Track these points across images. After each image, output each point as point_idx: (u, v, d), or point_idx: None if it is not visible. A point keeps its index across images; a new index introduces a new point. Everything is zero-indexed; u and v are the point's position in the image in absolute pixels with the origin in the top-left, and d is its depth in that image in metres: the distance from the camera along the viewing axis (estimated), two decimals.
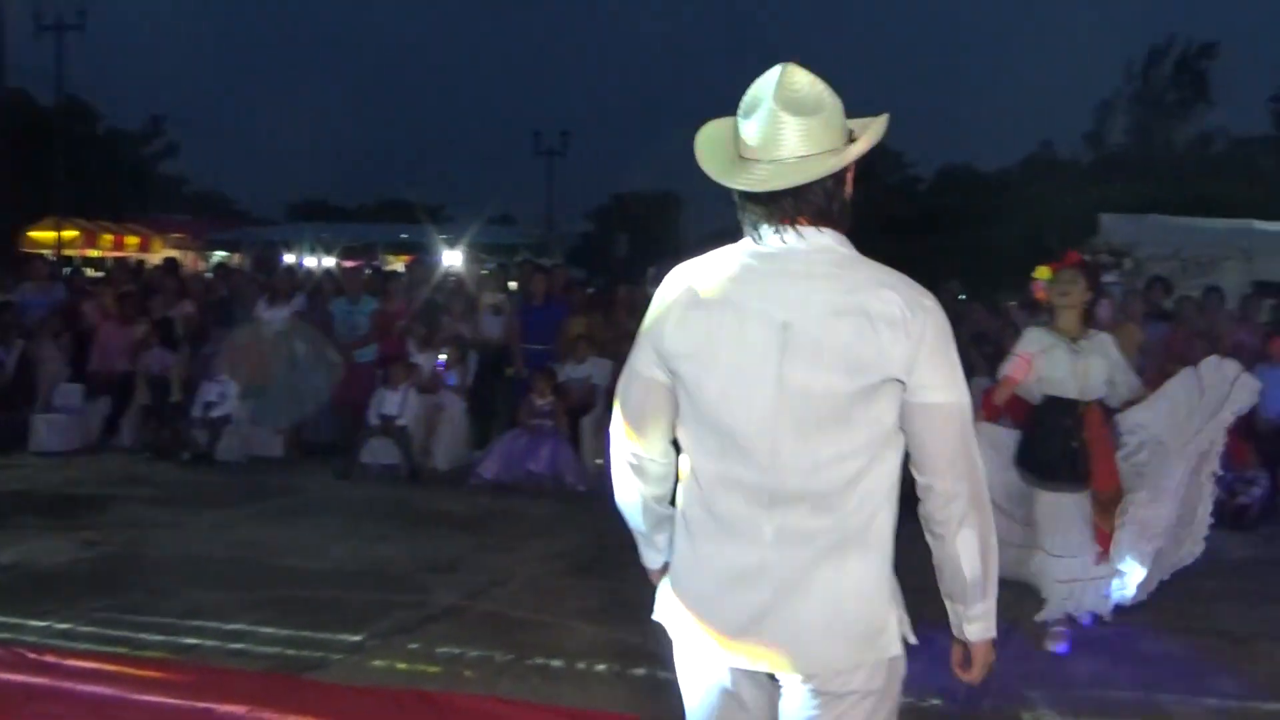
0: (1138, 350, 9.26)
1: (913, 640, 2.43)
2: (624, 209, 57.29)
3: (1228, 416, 5.79)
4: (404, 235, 29.31)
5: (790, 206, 2.33)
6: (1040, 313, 10.26)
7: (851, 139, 2.36)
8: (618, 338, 11.53)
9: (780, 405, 2.30)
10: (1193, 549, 5.84)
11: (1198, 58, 53.55)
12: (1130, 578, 5.77)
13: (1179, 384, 5.92)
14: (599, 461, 10.98)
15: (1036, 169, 51.91)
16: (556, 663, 5.52)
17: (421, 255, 20.40)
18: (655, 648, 5.64)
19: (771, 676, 2.44)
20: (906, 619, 2.43)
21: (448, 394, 11.19)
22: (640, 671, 5.37)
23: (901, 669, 2.45)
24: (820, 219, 2.35)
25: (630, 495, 2.59)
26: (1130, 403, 5.93)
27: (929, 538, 2.43)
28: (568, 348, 11.32)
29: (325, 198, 52.65)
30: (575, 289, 12.89)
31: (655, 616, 2.55)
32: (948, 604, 2.47)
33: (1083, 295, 5.78)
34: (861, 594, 2.35)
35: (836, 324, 2.27)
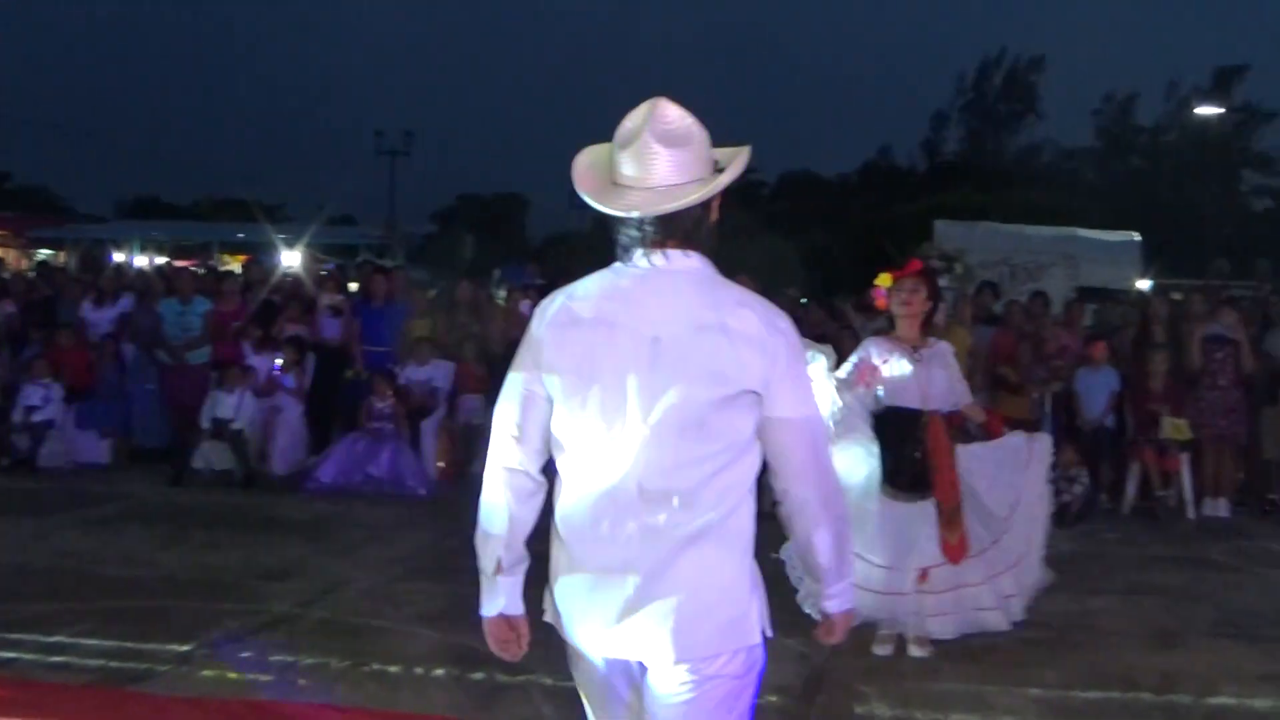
0: (967, 353, 9.56)
1: (769, 633, 2.56)
2: (469, 210, 56.84)
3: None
4: (240, 235, 28.62)
5: (660, 231, 2.51)
6: (877, 315, 10.55)
7: (717, 168, 2.55)
8: (460, 340, 11.45)
9: (648, 413, 2.45)
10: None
11: (1027, 71, 55.58)
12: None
13: (1009, 451, 5.94)
14: (440, 465, 10.88)
15: (875, 176, 53.23)
16: (394, 668, 5.44)
17: (258, 255, 19.92)
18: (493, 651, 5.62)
19: (643, 664, 2.55)
20: (766, 611, 2.57)
21: (285, 397, 10.94)
22: (479, 676, 5.32)
23: (760, 658, 2.58)
24: (687, 243, 2.53)
25: (497, 520, 2.63)
26: (958, 415, 5.98)
27: (788, 533, 2.63)
28: (409, 350, 11.19)
29: (158, 195, 51.04)
30: (417, 290, 12.74)
31: (545, 618, 2.66)
32: (810, 582, 2.65)
33: (924, 305, 5.76)
34: (722, 584, 2.50)
35: (699, 339, 2.45)
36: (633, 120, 2.52)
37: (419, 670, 5.42)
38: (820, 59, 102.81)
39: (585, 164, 2.62)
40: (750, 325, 2.47)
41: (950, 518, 5.64)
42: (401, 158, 43.11)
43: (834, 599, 2.68)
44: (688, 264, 2.53)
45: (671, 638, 2.46)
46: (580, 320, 2.53)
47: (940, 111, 56.39)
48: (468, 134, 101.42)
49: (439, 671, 5.41)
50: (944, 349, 5.87)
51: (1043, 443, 6.11)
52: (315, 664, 5.46)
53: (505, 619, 2.67)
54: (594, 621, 2.53)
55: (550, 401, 2.56)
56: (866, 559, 5.56)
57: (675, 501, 2.46)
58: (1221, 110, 42.72)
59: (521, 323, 11.58)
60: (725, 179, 2.54)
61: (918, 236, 12.93)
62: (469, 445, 10.97)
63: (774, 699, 4.96)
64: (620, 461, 2.48)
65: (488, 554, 2.65)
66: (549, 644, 5.60)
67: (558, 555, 2.60)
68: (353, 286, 13.57)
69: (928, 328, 5.87)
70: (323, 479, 10.11)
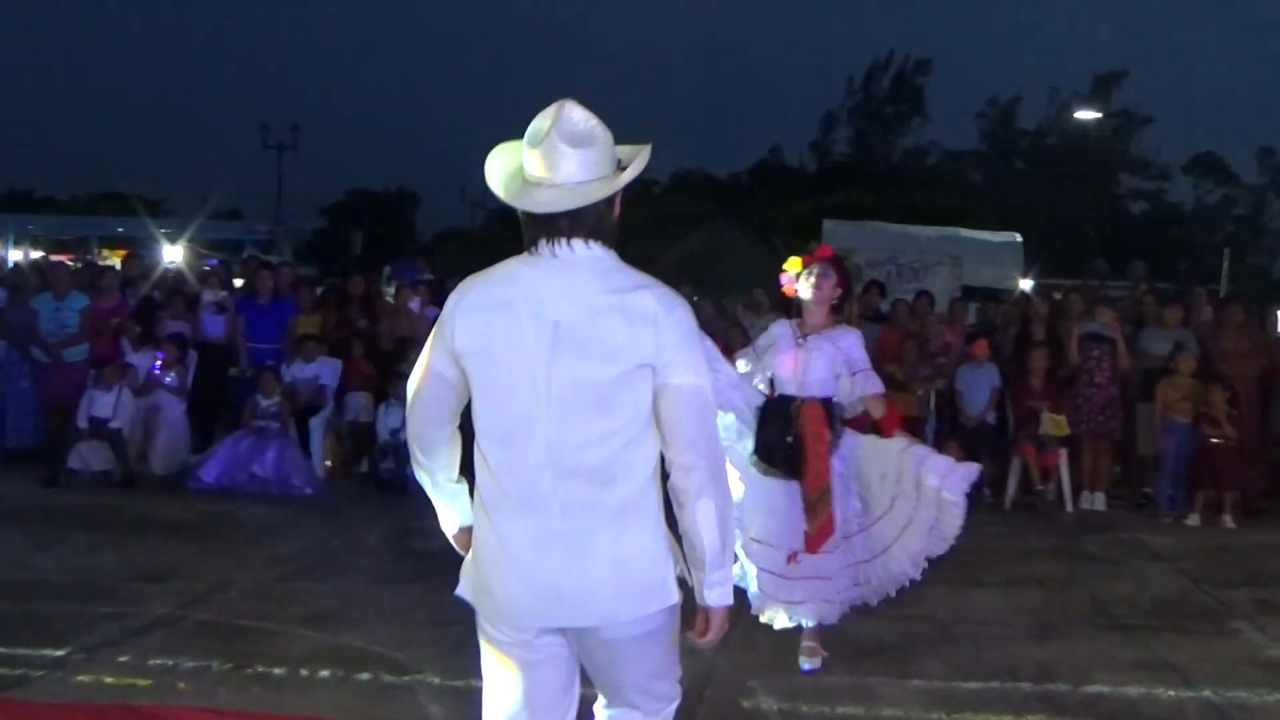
0: None
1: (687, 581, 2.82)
2: (359, 205, 56.15)
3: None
4: (120, 229, 27.95)
5: (566, 225, 2.71)
6: (766, 314, 10.63)
7: (620, 166, 2.77)
8: (348, 336, 11.29)
9: (553, 392, 2.66)
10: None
11: (914, 74, 56.55)
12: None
13: (887, 454, 5.64)
14: (328, 464, 10.73)
15: (766, 175, 53.72)
16: (278, 670, 5.33)
17: (139, 250, 19.44)
18: (381, 651, 5.56)
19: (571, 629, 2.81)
20: (682, 565, 2.82)
21: (165, 395, 10.67)
22: (365, 677, 5.26)
23: (678, 606, 2.84)
24: (591, 235, 2.74)
25: (424, 476, 2.96)
26: (855, 419, 5.82)
27: (675, 509, 2.78)
28: (295, 347, 11.01)
29: (33, 187, 49.59)
30: (303, 286, 12.54)
31: (458, 592, 2.89)
32: (692, 571, 2.81)
33: (833, 290, 5.58)
34: (642, 554, 2.74)
35: (597, 320, 2.66)
36: (541, 121, 2.70)
37: (304, 672, 5.32)
38: (713, 59, 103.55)
39: (497, 162, 2.81)
40: (647, 304, 2.69)
41: (813, 507, 5.47)
42: (289, 152, 42.36)
43: (714, 588, 2.78)
44: (590, 254, 2.73)
45: (599, 605, 2.72)
46: (487, 305, 2.73)
47: (830, 112, 57.18)
48: (357, 129, 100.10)
49: (324, 673, 5.32)
50: (838, 335, 5.59)
51: (912, 457, 5.58)
52: (196, 667, 5.33)
53: (465, 531, 2.94)
54: (522, 591, 2.73)
55: (456, 382, 2.79)
56: (745, 533, 5.52)
57: (591, 478, 2.67)
58: (1099, 115, 43.89)
59: (410, 320, 11.51)
60: (627, 176, 2.75)
61: (807, 235, 13.08)
62: (357, 444, 10.85)
63: None
64: (535, 441, 2.68)
65: (431, 494, 2.98)
66: (437, 644, 5.56)
67: (482, 531, 2.80)
68: (239, 283, 13.31)
69: (837, 316, 5.73)
70: (205, 479, 9.89)
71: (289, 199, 42.86)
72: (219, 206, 34.14)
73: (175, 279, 13.25)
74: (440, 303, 11.40)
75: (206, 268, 13.95)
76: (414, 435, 2.92)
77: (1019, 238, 19.88)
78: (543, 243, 2.73)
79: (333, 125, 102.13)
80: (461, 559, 2.94)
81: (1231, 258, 35.14)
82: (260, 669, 5.34)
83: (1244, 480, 10.27)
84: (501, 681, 2.91)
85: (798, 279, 5.63)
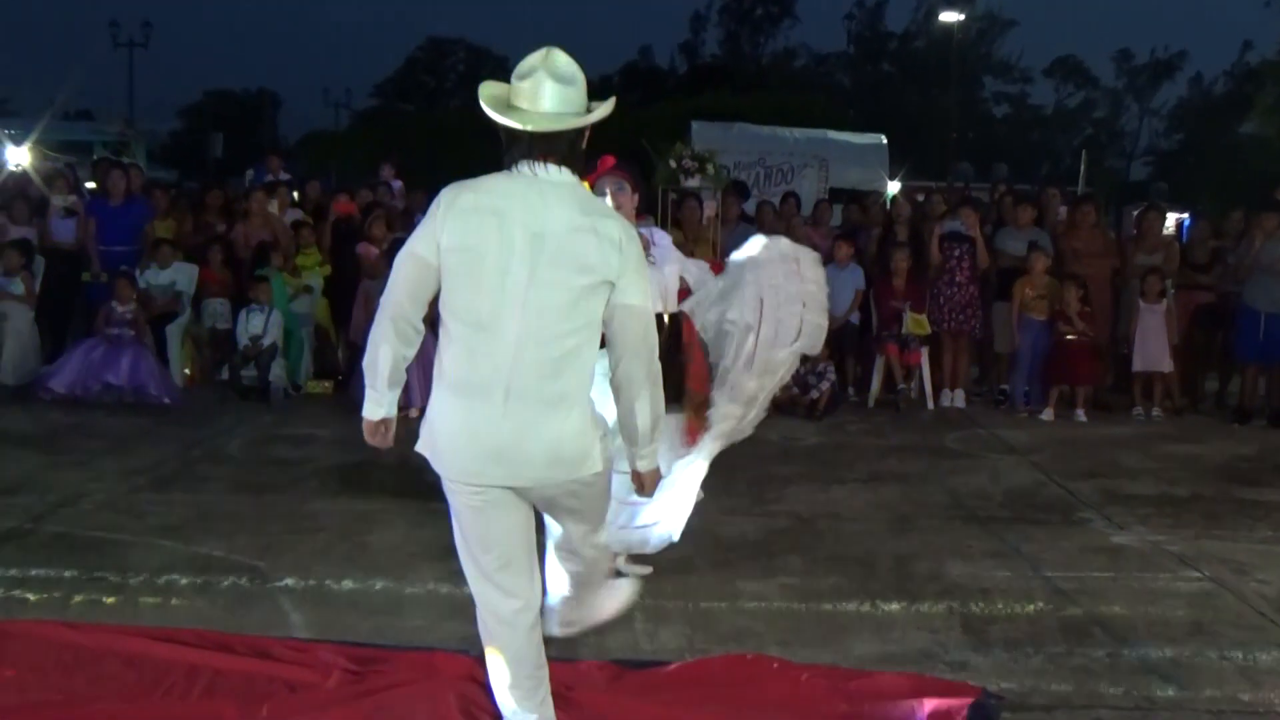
0: (717, 253, 9.72)
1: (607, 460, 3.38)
2: (218, 107, 54.37)
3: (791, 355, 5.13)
4: None
5: (544, 148, 3.20)
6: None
7: (588, 110, 3.28)
8: (207, 242, 10.97)
9: (532, 292, 3.13)
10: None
11: None
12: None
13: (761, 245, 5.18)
14: (186, 371, 10.46)
15: (635, 77, 53.34)
16: (134, 581, 5.22)
17: None
18: (241, 559, 5.48)
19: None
20: (606, 445, 3.37)
21: (11, 303, 10.24)
22: (224, 584, 5.18)
23: (607, 476, 3.44)
24: (564, 161, 3.24)
25: (385, 352, 3.30)
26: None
27: (615, 397, 3.36)
28: (150, 252, 10.66)
29: None
30: (156, 189, 12.10)
31: (417, 449, 3.34)
32: (627, 447, 3.44)
33: (632, 201, 5.10)
34: (576, 434, 3.26)
35: (575, 237, 3.16)
36: (531, 60, 3.23)
37: (160, 581, 5.22)
38: None
39: (488, 94, 3.28)
40: (614, 231, 3.20)
41: (698, 407, 5.14)
42: (141, 50, 40.68)
43: (644, 459, 3.45)
44: (564, 178, 3.23)
45: (537, 472, 3.25)
46: (479, 209, 3.16)
47: (699, 13, 56.84)
48: (214, 27, 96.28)
49: (183, 582, 5.22)
50: (658, 246, 5.24)
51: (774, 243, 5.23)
52: (47, 579, 5.18)
53: (383, 420, 3.42)
54: (474, 454, 3.22)
55: (433, 265, 3.19)
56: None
57: (546, 368, 3.17)
58: (963, 18, 44.32)
59: (270, 224, 11.20)
60: (597, 115, 3.27)
61: (675, 137, 13.02)
62: (216, 351, 10.59)
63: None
64: (507, 331, 3.14)
65: (376, 376, 3.34)
66: (298, 551, 5.50)
67: (444, 402, 3.26)
68: (91, 187, 12.79)
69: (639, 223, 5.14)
70: (56, 388, 9.55)
71: (142, 100, 41.38)
72: (67, 107, 32.66)
73: (20, 182, 12.67)
74: (299, 205, 11.03)
75: (56, 168, 13.29)
76: (391, 315, 3.26)
77: (884, 140, 20.05)
78: (524, 163, 3.20)
79: (187, 23, 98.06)
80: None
81: (1089, 160, 35.98)
82: (114, 579, 5.22)
83: (1095, 376, 10.60)
84: (464, 522, 3.39)
85: None
